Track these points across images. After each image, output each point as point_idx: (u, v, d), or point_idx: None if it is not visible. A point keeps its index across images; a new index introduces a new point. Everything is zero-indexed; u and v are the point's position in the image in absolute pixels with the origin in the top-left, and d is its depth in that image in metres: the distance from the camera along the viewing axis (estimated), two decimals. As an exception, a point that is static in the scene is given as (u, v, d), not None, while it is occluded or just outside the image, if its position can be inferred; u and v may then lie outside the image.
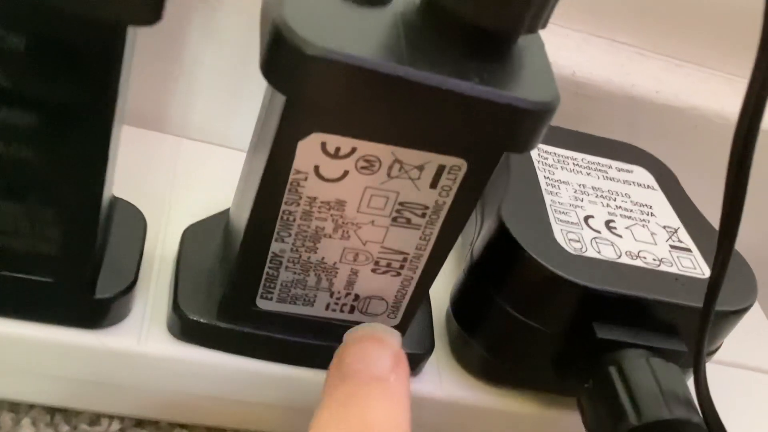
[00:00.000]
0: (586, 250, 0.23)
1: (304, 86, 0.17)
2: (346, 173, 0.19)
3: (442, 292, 0.25)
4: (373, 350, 0.19)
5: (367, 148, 0.18)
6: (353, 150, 0.18)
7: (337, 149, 0.18)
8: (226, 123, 0.29)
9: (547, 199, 0.24)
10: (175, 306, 0.22)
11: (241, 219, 0.21)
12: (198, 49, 0.27)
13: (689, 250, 0.24)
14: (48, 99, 0.16)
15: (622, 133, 0.30)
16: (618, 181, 0.27)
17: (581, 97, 0.29)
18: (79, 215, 0.19)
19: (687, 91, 0.31)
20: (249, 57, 0.27)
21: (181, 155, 0.28)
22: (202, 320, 0.22)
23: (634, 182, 0.27)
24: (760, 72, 0.17)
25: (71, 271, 0.20)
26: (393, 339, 0.19)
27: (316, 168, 0.19)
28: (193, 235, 0.24)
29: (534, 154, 0.26)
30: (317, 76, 0.16)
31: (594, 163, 0.27)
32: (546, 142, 0.27)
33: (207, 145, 0.29)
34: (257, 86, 0.22)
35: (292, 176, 0.19)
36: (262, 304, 0.21)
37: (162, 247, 0.24)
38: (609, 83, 0.29)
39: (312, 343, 0.22)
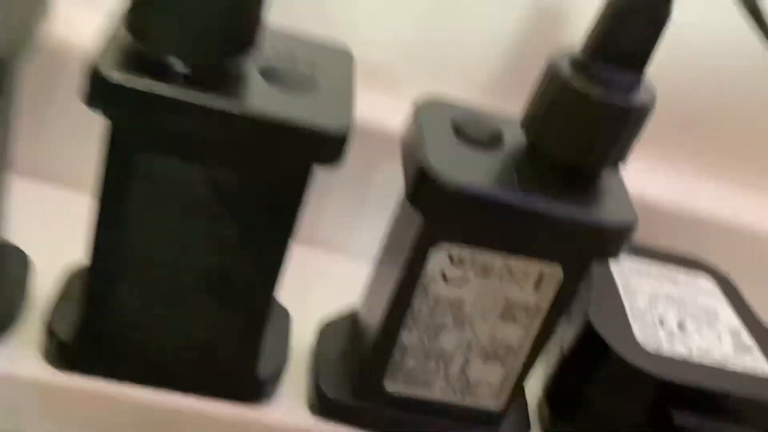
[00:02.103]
0: (663, 348, 0.27)
1: (441, 210, 0.22)
2: (466, 277, 0.24)
3: (531, 384, 0.29)
4: None
5: (484, 257, 0.23)
6: (473, 259, 0.23)
7: (461, 258, 0.23)
8: (346, 236, 0.34)
9: (626, 302, 0.29)
10: (317, 387, 0.26)
11: (374, 314, 0.26)
12: (326, 177, 0.33)
13: (751, 349, 0.28)
14: (250, 221, 0.22)
15: (687, 248, 0.34)
16: (685, 288, 0.31)
17: (651, 216, 0.34)
18: (258, 311, 0.24)
19: (744, 210, 0.35)
20: (371, 184, 0.33)
21: (309, 261, 0.33)
22: (338, 398, 0.26)
23: (699, 290, 0.31)
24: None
25: (243, 356, 0.25)
26: None
27: (443, 273, 0.23)
28: (327, 330, 0.29)
29: (613, 265, 0.31)
30: (453, 203, 0.21)
31: (663, 272, 0.31)
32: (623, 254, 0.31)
33: (329, 254, 0.34)
34: (372, 208, 0.28)
35: (422, 279, 0.24)
36: (389, 386, 0.26)
37: (298, 339, 0.29)
38: (675, 204, 0.34)
39: (429, 420, 0.27)
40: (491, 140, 0.23)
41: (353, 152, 0.32)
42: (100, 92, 0.19)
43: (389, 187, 0.30)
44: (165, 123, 0.19)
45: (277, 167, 0.21)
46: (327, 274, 0.33)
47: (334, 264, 0.34)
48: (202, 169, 0.21)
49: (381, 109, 0.32)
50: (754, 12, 0.22)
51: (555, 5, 0.31)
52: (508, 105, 0.26)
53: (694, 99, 0.34)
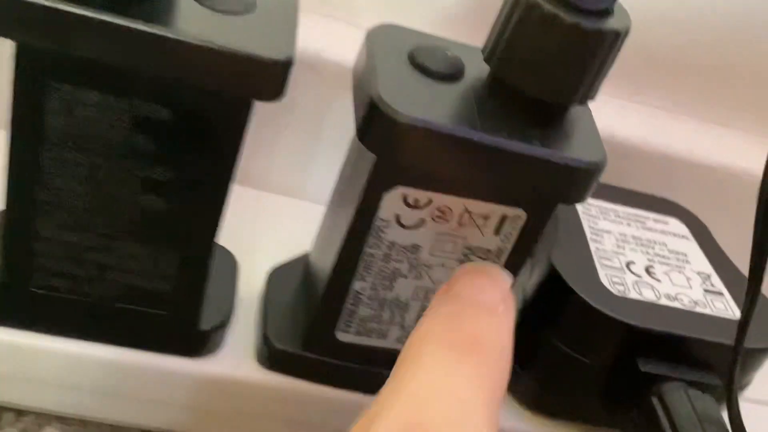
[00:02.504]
0: (629, 293, 0.25)
1: (393, 148, 0.20)
2: (422, 221, 0.22)
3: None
4: (485, 282, 0.18)
5: (442, 200, 0.21)
6: (430, 201, 0.21)
7: (416, 201, 0.21)
8: (299, 179, 0.32)
9: (593, 246, 0.27)
10: (265, 337, 0.25)
11: (325, 261, 0.24)
12: (278, 112, 0.31)
13: (721, 293, 0.27)
14: (184, 160, 0.20)
15: (659, 189, 0.32)
16: (655, 231, 0.29)
17: (620, 156, 0.32)
18: (195, 258, 0.22)
19: (717, 150, 0.33)
20: (323, 122, 0.31)
21: (261, 206, 0.31)
22: (288, 350, 0.25)
23: (669, 232, 0.30)
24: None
25: (184, 306, 0.23)
26: (505, 278, 0.19)
27: (397, 217, 0.22)
28: (277, 276, 0.27)
29: (579, 206, 0.29)
30: (406, 140, 0.19)
31: (633, 214, 0.30)
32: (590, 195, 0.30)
33: (283, 198, 0.32)
34: (329, 147, 0.26)
35: (376, 223, 0.22)
36: (341, 336, 0.24)
37: (247, 286, 0.27)
38: (646, 143, 0.32)
39: (383, 372, 0.25)
40: (451, 71, 0.21)
41: (307, 87, 0.31)
42: (4, 11, 0.17)
43: (346, 124, 0.28)
44: (77, 47, 0.17)
45: (212, 101, 0.19)
46: (279, 219, 0.31)
47: (286, 208, 0.32)
48: (126, 103, 0.19)
49: (336, 40, 0.30)
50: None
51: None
52: (473, 37, 0.23)
53: (667, 35, 0.32)
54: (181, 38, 0.17)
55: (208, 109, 0.19)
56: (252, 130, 0.31)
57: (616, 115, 0.32)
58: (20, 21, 0.17)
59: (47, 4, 0.17)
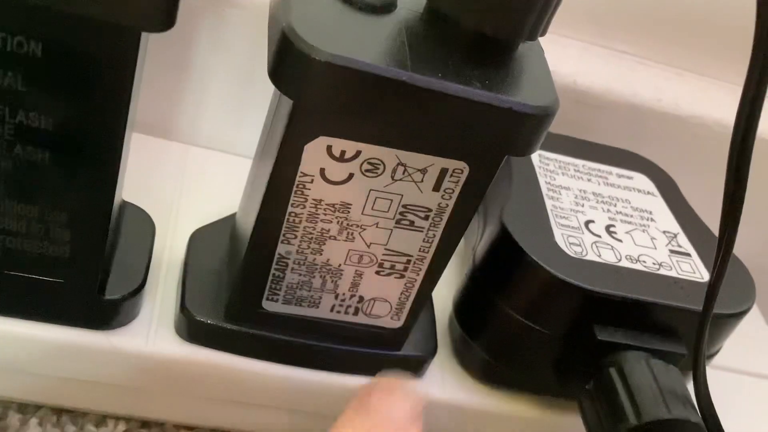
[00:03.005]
0: (586, 254, 0.23)
1: (310, 91, 0.17)
2: (351, 176, 0.19)
3: (445, 297, 0.26)
4: (399, 401, 0.19)
5: (371, 151, 0.19)
6: (358, 153, 0.19)
7: (343, 152, 0.19)
8: (233, 131, 0.29)
9: (549, 204, 0.25)
10: (183, 307, 0.22)
11: (248, 222, 0.21)
12: (206, 58, 0.28)
13: (688, 254, 0.25)
14: (63, 104, 0.17)
15: (624, 141, 0.30)
16: (618, 187, 0.27)
17: (583, 105, 0.30)
18: (90, 219, 0.19)
19: (687, 99, 0.31)
20: (256, 67, 0.28)
21: (189, 162, 0.28)
22: (209, 321, 0.22)
23: (634, 188, 0.27)
24: (752, 80, 0.17)
25: (82, 273, 0.20)
26: (418, 397, 0.20)
27: (322, 171, 0.19)
28: (200, 239, 0.24)
29: (535, 160, 0.27)
30: (323, 80, 0.17)
31: (595, 169, 0.27)
32: (547, 148, 0.27)
33: (214, 152, 0.29)
34: (264, 95, 0.23)
35: (298, 179, 0.19)
36: (268, 305, 0.22)
37: (170, 251, 0.25)
38: (610, 92, 0.30)
39: (316, 344, 0.23)
40: (380, 2, 0.18)
41: (238, 28, 0.28)
42: None
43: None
44: None
45: (89, 31, 0.16)
46: (207, 176, 0.28)
47: (216, 163, 0.29)
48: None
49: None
50: None
51: None
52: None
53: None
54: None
55: (86, 42, 0.16)
56: (177, 76, 0.28)
57: (579, 59, 0.30)
58: None
59: None
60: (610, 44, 0.31)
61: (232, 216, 0.25)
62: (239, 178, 0.24)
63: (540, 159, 0.27)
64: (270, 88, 0.18)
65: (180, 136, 0.29)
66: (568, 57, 0.29)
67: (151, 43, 0.18)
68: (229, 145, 0.29)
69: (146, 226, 0.23)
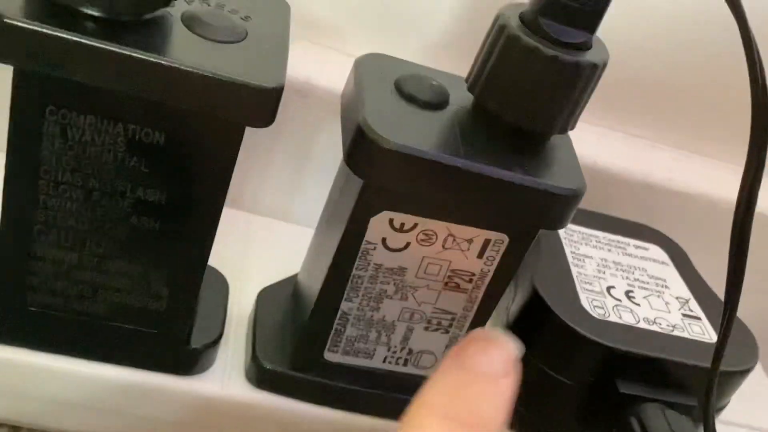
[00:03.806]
0: (609, 316, 0.26)
1: (379, 173, 0.21)
2: (408, 244, 0.23)
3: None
4: (493, 352, 0.19)
5: (426, 224, 0.22)
6: (415, 225, 0.22)
7: (402, 224, 0.22)
8: (288, 202, 0.33)
9: (574, 270, 0.28)
10: (254, 356, 0.25)
11: (314, 282, 0.25)
12: (270, 138, 0.31)
13: (699, 318, 0.28)
14: (176, 183, 0.21)
15: (639, 216, 0.33)
16: (635, 257, 0.30)
17: (602, 183, 0.33)
18: (186, 279, 0.23)
19: (697, 179, 0.34)
20: (307, 148, 0.32)
21: (252, 229, 0.32)
22: (276, 369, 0.25)
23: (649, 258, 0.30)
24: (751, 163, 0.20)
25: (174, 325, 0.24)
26: (513, 347, 0.19)
27: (384, 240, 0.22)
28: (265, 297, 0.28)
29: (561, 231, 0.30)
30: (391, 165, 0.20)
31: (614, 240, 0.31)
32: (572, 221, 0.31)
33: (273, 221, 0.33)
34: (317, 172, 0.27)
35: (363, 246, 0.22)
36: (330, 356, 0.25)
37: (238, 308, 0.28)
38: (626, 172, 0.33)
39: (370, 392, 0.26)
40: (436, 100, 0.22)
41: (296, 113, 0.31)
42: (5, 39, 0.18)
43: (333, 150, 0.28)
44: (74, 73, 0.18)
45: (203, 126, 0.20)
46: (268, 241, 0.32)
47: (276, 231, 0.32)
48: (121, 127, 0.19)
49: (325, 67, 0.30)
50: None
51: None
52: (457, 67, 0.24)
53: (647, 66, 0.33)
54: (175, 65, 0.18)
55: (200, 134, 0.20)
56: (243, 154, 0.32)
57: (598, 143, 0.33)
58: (18, 47, 0.18)
59: (45, 30, 0.17)
60: (625, 129, 0.34)
61: (294, 276, 0.28)
62: (295, 243, 0.28)
63: (565, 230, 0.30)
64: (323, 166, 0.21)
65: (245, 206, 0.33)
66: (588, 141, 0.33)
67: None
68: (287, 214, 0.33)
69: (221, 285, 0.27)
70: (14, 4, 0.18)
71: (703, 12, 0.31)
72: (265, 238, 0.32)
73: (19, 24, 0.17)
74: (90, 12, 0.18)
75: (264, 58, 0.20)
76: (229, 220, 0.32)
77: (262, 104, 0.19)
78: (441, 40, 0.31)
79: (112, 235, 0.21)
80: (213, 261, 0.27)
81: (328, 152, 0.31)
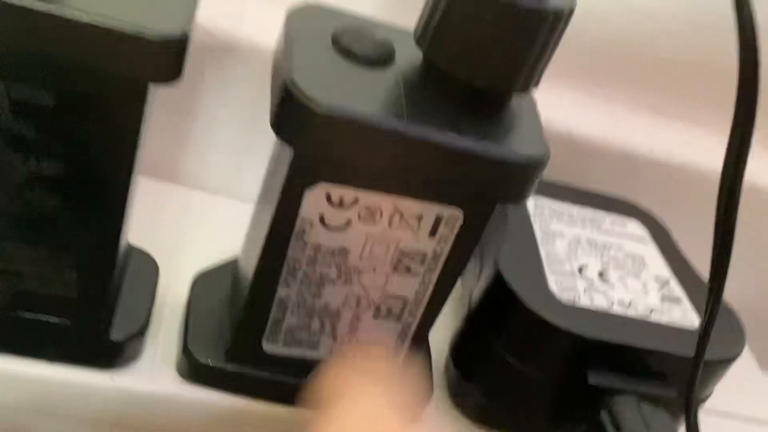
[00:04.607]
0: (579, 300, 0.24)
1: (311, 140, 0.18)
2: (349, 222, 0.20)
3: (441, 340, 0.26)
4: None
5: (369, 198, 0.19)
6: (356, 200, 0.19)
7: (341, 199, 0.19)
8: (235, 177, 0.30)
9: (543, 250, 0.25)
10: (185, 348, 0.23)
11: (249, 266, 0.22)
12: (211, 106, 0.29)
13: (680, 300, 0.25)
14: (73, 151, 0.18)
15: (618, 189, 0.31)
16: (611, 233, 0.28)
17: (577, 153, 0.31)
18: (97, 261, 0.20)
19: (680, 148, 0.32)
20: (259, 115, 0.29)
21: (193, 206, 0.29)
22: (210, 362, 0.23)
23: (627, 235, 0.28)
24: (738, 125, 0.18)
25: (88, 314, 0.21)
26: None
27: (321, 217, 0.20)
28: (202, 282, 0.25)
29: (530, 206, 0.27)
30: (324, 131, 0.18)
31: (588, 216, 0.28)
32: (541, 195, 0.28)
33: (217, 197, 0.30)
34: (266, 143, 0.24)
35: (298, 224, 0.20)
36: (268, 347, 0.22)
37: (172, 294, 0.25)
38: (604, 140, 0.31)
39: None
40: (378, 56, 0.19)
41: (242, 77, 0.29)
42: None
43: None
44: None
45: (99, 85, 0.17)
46: (210, 220, 0.29)
47: (219, 208, 0.30)
48: (3, 87, 0.16)
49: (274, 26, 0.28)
50: None
51: None
52: (408, 20, 0.22)
53: (629, 25, 0.30)
54: (59, 13, 0.15)
55: (98, 94, 0.17)
56: (181, 120, 0.29)
57: (573, 109, 0.31)
58: None
59: None
60: (603, 93, 0.32)
61: (234, 260, 0.25)
62: (242, 223, 0.25)
63: (535, 205, 0.27)
64: (272, 136, 0.19)
65: (184, 180, 0.30)
66: (562, 107, 0.30)
67: (158, 91, 0.19)
68: (232, 190, 0.30)
69: (150, 268, 0.24)
70: None
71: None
72: (205, 217, 0.29)
73: None
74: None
75: (168, 3, 0.17)
76: (165, 195, 0.29)
77: (167, 57, 0.16)
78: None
79: (6, 213, 0.19)
80: (143, 242, 0.24)
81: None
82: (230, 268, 0.25)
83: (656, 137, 0.32)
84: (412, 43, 0.19)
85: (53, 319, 0.21)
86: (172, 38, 0.16)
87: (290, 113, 0.18)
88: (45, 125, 0.17)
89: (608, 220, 0.28)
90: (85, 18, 0.15)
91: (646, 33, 0.30)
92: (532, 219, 0.27)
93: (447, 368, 0.26)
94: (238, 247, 0.25)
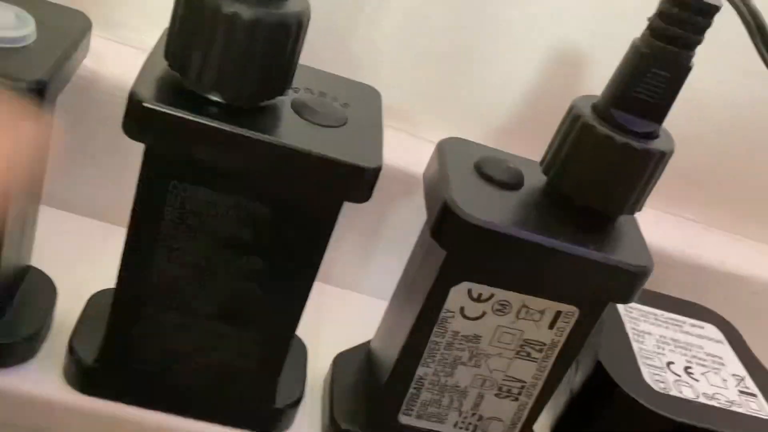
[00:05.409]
0: (670, 390, 0.27)
1: (462, 247, 0.22)
2: (484, 313, 0.24)
3: (541, 422, 0.30)
4: None
5: (502, 295, 0.24)
6: (492, 296, 0.24)
7: (480, 294, 0.24)
8: (360, 274, 0.35)
9: (635, 346, 0.29)
10: (332, 418, 0.27)
11: (390, 347, 0.26)
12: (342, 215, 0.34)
13: (755, 395, 0.29)
14: (276, 250, 0.23)
15: (692, 297, 0.34)
16: (692, 335, 0.31)
17: (657, 264, 0.34)
18: (278, 340, 0.24)
19: (748, 262, 0.36)
20: (381, 226, 0.34)
21: (325, 298, 0.34)
22: (352, 430, 0.27)
23: (705, 336, 0.32)
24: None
25: (263, 384, 0.25)
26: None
27: (462, 309, 0.24)
28: (341, 361, 0.29)
29: (621, 308, 0.31)
30: (474, 239, 0.22)
31: (671, 318, 0.32)
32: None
33: (343, 291, 0.35)
34: (387, 247, 0.28)
35: (442, 314, 0.24)
36: (404, 419, 0.26)
37: (312, 371, 0.29)
38: (681, 253, 0.35)
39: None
40: (512, 180, 0.24)
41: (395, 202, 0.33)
42: (139, 120, 0.20)
43: (403, 227, 0.30)
44: (199, 152, 0.20)
45: (308, 201, 0.22)
46: (340, 310, 0.33)
47: (346, 300, 0.34)
48: (235, 200, 0.22)
49: (397, 150, 0.33)
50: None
51: (572, 53, 0.32)
52: (523, 150, 0.27)
53: (698, 154, 0.35)
54: (288, 145, 0.20)
55: (304, 208, 0.22)
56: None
57: (652, 225, 0.35)
58: (150, 127, 0.20)
59: (174, 113, 0.20)
60: (679, 212, 0.36)
61: (367, 343, 0.30)
62: (365, 312, 0.29)
63: (625, 308, 0.31)
64: (393, 241, 0.22)
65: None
66: (645, 223, 0.35)
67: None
68: (356, 285, 0.35)
69: (300, 348, 0.28)
70: (150, 90, 0.20)
71: (750, 95, 0.33)
72: (336, 307, 0.33)
73: (155, 106, 0.20)
74: (215, 98, 0.21)
75: (363, 140, 0.22)
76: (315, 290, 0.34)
77: (363, 183, 0.21)
78: (504, 125, 0.33)
79: (217, 299, 0.23)
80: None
81: (398, 229, 0.33)
82: (363, 350, 0.29)
83: (726, 251, 0.36)
84: (536, 170, 0.24)
85: (233, 388, 0.25)
86: (371, 168, 0.21)
87: (448, 224, 0.22)
88: (260, 231, 0.22)
89: (688, 322, 0.32)
90: (304, 149, 0.21)
91: (715, 159, 0.35)
92: (623, 319, 0.31)
93: (548, 448, 0.30)
94: (363, 333, 0.29)
